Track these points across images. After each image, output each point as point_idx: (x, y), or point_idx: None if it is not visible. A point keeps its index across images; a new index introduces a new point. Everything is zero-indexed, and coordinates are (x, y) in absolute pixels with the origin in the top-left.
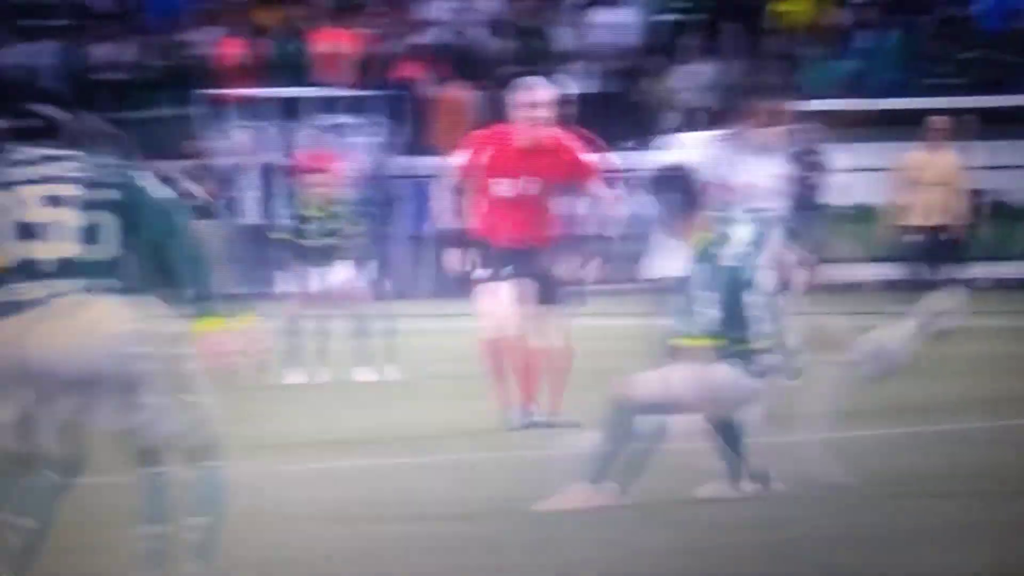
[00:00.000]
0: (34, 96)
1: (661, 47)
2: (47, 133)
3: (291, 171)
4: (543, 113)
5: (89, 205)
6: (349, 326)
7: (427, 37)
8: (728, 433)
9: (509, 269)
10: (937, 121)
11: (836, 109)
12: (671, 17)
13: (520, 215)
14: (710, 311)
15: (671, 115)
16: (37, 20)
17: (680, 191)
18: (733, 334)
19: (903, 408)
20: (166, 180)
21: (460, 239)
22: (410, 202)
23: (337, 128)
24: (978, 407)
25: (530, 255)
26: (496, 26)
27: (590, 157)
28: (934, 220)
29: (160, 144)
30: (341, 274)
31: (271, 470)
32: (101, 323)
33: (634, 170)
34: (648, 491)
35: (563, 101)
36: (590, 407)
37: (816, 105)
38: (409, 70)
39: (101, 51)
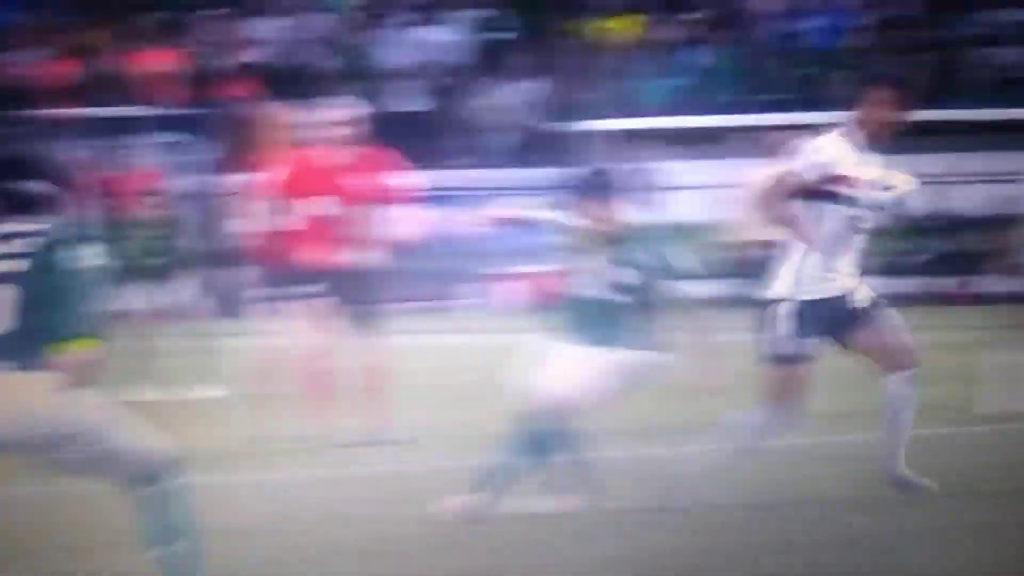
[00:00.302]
0: (26, 173)
1: (486, 65)
2: (34, 207)
3: (117, 190)
4: (342, 132)
5: (27, 279)
6: (185, 343)
7: (253, 56)
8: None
9: (315, 289)
10: (772, 137)
11: (666, 127)
12: (496, 35)
13: (324, 235)
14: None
15: (496, 133)
16: None
17: (603, 192)
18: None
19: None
20: None
21: (261, 258)
22: (229, 220)
23: (162, 147)
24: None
25: (336, 274)
26: (322, 45)
27: (394, 176)
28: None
29: None
30: (172, 292)
31: None
32: (28, 397)
33: (464, 188)
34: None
35: (366, 120)
36: (414, 423)
37: (645, 123)
38: (234, 89)
39: None
